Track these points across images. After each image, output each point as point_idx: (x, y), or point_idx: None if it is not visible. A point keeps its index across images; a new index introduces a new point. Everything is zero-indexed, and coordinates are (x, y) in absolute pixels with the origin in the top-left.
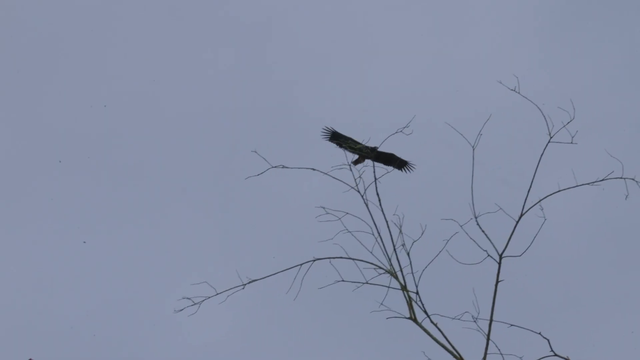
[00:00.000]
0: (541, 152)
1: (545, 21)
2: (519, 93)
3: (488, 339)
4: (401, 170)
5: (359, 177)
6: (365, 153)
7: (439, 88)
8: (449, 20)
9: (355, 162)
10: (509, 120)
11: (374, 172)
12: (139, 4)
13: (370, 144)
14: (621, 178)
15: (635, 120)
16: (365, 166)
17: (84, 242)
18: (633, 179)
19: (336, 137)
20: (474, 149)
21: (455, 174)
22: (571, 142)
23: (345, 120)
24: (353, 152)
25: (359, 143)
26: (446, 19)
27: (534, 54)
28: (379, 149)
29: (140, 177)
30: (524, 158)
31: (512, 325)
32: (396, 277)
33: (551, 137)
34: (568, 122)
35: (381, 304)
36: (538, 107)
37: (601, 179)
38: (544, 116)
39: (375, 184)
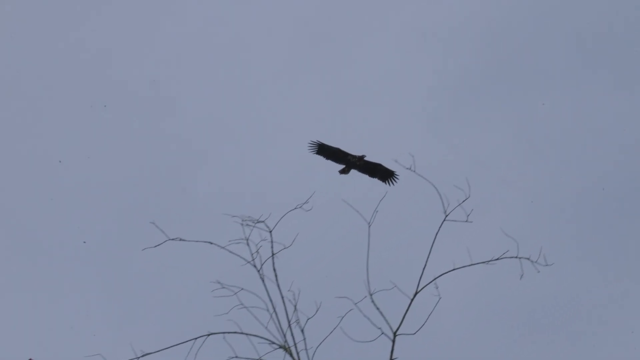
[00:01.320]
0: (436, 230)
1: (439, 102)
2: (414, 172)
3: None
4: (385, 182)
5: (256, 252)
6: (352, 162)
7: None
8: (347, 100)
9: (342, 172)
10: (405, 198)
11: (272, 247)
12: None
13: (358, 153)
14: (516, 257)
15: (530, 200)
16: (349, 176)
17: None
18: (528, 259)
19: (323, 149)
20: (369, 226)
21: (352, 250)
22: (466, 221)
23: (246, 193)
24: (339, 162)
25: (347, 153)
26: (344, 99)
27: (429, 133)
28: (365, 159)
29: (37, 247)
30: (419, 236)
31: None
32: (290, 353)
33: (446, 216)
34: (463, 201)
35: None
36: (434, 186)
37: (496, 258)
38: (440, 194)
39: (273, 259)
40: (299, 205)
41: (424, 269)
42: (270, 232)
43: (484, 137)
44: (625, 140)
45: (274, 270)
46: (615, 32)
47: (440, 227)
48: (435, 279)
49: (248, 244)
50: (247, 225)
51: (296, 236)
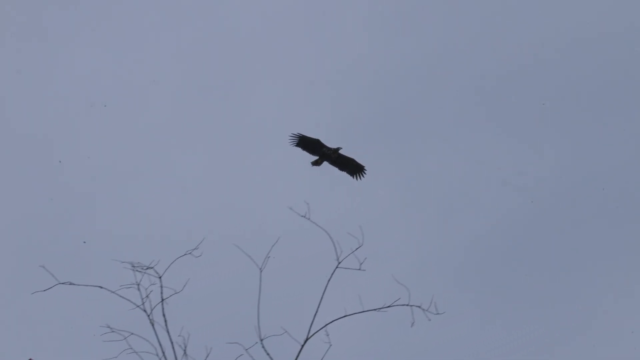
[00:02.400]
0: (329, 277)
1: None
2: (309, 219)
3: None
4: (353, 176)
5: (146, 296)
6: (328, 154)
7: (231, 211)
8: (239, 148)
9: (314, 163)
10: (299, 245)
11: (162, 292)
12: None
13: (334, 146)
14: (407, 305)
15: (421, 249)
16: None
17: None
18: (419, 307)
19: (303, 141)
20: (261, 271)
21: (243, 295)
22: (359, 269)
23: (137, 238)
24: (314, 154)
25: (324, 145)
26: (237, 146)
27: (322, 181)
28: (340, 152)
29: None
30: (312, 282)
31: None
32: None
33: (339, 263)
34: (356, 249)
35: None
36: (327, 233)
37: (388, 305)
38: (333, 242)
39: (162, 304)
40: (189, 252)
41: (315, 315)
42: (160, 277)
43: (377, 185)
44: (516, 189)
45: (164, 315)
46: (508, 79)
47: (332, 274)
48: (326, 325)
49: (139, 289)
50: (137, 270)
51: (187, 281)
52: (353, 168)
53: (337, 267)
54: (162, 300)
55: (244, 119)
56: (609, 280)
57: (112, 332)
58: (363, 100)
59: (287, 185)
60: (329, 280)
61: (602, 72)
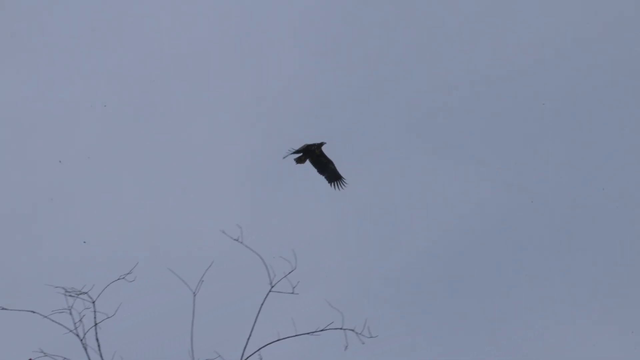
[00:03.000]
0: (262, 301)
1: (265, 175)
2: (241, 243)
3: None
4: (331, 184)
5: (79, 321)
6: (312, 150)
7: (165, 235)
8: (176, 167)
9: (298, 161)
10: (232, 269)
11: (95, 317)
12: None
13: (318, 141)
14: (341, 329)
15: (354, 273)
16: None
17: None
18: (353, 330)
19: (297, 152)
20: (195, 295)
21: (177, 319)
22: (292, 292)
23: (70, 263)
24: (299, 151)
25: (309, 144)
26: (173, 165)
27: (257, 205)
28: (322, 148)
29: None
30: (245, 306)
31: None
32: None
33: (272, 287)
34: (289, 272)
35: None
36: (260, 257)
37: (321, 329)
38: (266, 266)
39: (96, 328)
40: (122, 276)
41: (248, 339)
42: (94, 302)
43: (311, 208)
44: (451, 213)
45: (97, 339)
46: (448, 98)
47: (265, 298)
48: (259, 349)
49: (71, 314)
50: (70, 295)
51: (119, 306)
52: (331, 174)
53: (270, 291)
54: (95, 324)
55: (177, 142)
56: (546, 303)
57: (46, 356)
58: (296, 123)
59: (221, 209)
60: (262, 304)
61: (545, 96)
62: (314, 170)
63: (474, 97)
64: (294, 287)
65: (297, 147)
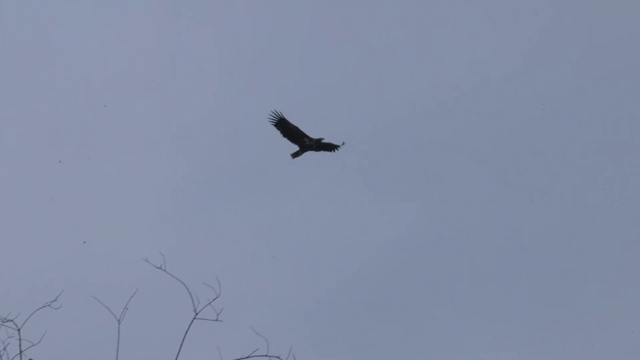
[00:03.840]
0: (186, 328)
1: (190, 201)
2: (165, 270)
3: None
4: (332, 151)
5: (4, 349)
6: (310, 145)
7: (90, 262)
8: (101, 194)
9: (294, 155)
10: (157, 296)
11: (20, 345)
12: None
13: (315, 137)
14: (266, 356)
15: (279, 300)
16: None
17: None
18: (278, 357)
19: (283, 124)
20: (119, 323)
21: (102, 346)
22: (217, 319)
23: None
24: (294, 142)
25: (305, 135)
26: (98, 192)
27: (180, 232)
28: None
29: None
30: (170, 333)
31: None
32: None
33: (197, 314)
34: (213, 299)
35: None
36: (184, 284)
37: (246, 356)
38: (190, 293)
39: (21, 356)
40: (47, 304)
41: None
42: (19, 330)
43: (234, 236)
44: (372, 242)
45: None
46: (368, 129)
47: (190, 325)
48: None
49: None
50: None
51: (44, 333)
52: (330, 148)
53: (194, 318)
54: (20, 352)
55: (101, 170)
56: (466, 331)
57: None
58: (216, 154)
59: (145, 237)
60: (186, 331)
61: (462, 129)
62: (235, 199)
63: (391, 131)
64: (218, 314)
65: (290, 126)
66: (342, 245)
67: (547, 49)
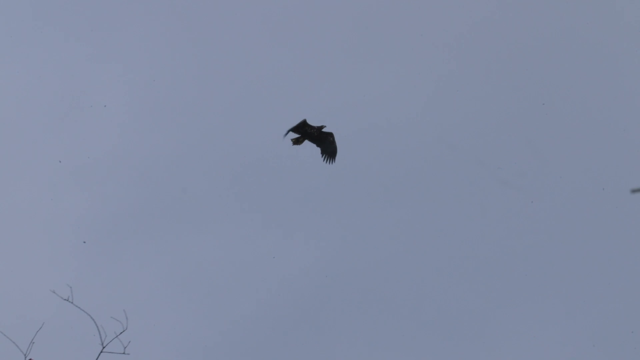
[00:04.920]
0: None
1: (98, 234)
2: (72, 303)
3: None
4: (323, 157)
5: None
6: (311, 133)
7: None
8: (5, 227)
9: (295, 142)
10: (64, 329)
11: None
12: None
13: (317, 124)
14: None
15: (187, 332)
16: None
17: None
18: None
19: (293, 130)
20: (26, 357)
21: None
22: (124, 352)
23: None
24: (297, 132)
25: (307, 124)
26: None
27: (88, 265)
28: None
29: None
30: None
31: None
32: None
33: (104, 347)
34: (121, 332)
35: None
36: (91, 317)
37: None
38: (97, 326)
39: None
40: None
41: None
42: None
43: (142, 269)
44: (281, 272)
45: None
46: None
47: (97, 358)
48: None
49: None
50: None
51: None
52: (329, 148)
53: (101, 352)
54: None
55: (7, 203)
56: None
57: None
58: (122, 192)
59: (52, 270)
60: None
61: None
62: (147, 231)
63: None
64: (125, 347)
65: (295, 125)
66: (249, 279)
67: (547, 49)
